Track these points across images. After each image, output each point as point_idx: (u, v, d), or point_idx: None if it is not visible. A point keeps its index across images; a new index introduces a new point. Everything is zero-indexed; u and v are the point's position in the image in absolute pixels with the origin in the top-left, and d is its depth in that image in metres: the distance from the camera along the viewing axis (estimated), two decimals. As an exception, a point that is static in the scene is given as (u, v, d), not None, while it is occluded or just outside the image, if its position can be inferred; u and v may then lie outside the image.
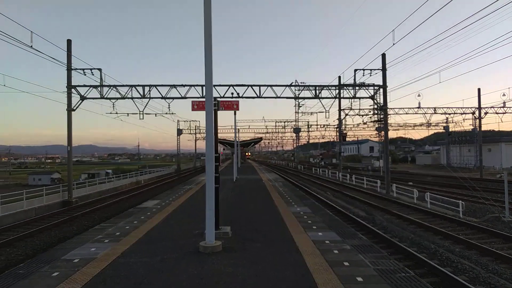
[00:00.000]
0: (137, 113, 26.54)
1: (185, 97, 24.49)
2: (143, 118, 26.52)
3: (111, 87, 23.81)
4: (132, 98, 24.41)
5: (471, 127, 43.69)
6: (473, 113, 39.98)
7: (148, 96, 24.51)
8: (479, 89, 37.89)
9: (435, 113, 40.24)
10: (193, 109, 8.74)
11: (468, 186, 20.72)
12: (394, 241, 10.75)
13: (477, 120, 38.72)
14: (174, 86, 24.59)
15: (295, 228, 9.29)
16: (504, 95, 38.15)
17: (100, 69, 23.31)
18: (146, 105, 25.90)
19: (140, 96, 24.43)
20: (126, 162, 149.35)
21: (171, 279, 5.77)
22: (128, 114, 29.41)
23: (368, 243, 7.96)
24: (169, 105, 27.17)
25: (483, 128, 40.45)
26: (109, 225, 10.23)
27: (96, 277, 5.93)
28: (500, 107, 37.91)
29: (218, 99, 9.41)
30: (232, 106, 9.58)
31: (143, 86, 24.32)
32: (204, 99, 7.62)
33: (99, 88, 23.62)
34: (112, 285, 5.56)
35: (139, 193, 27.58)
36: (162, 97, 24.75)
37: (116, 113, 27.04)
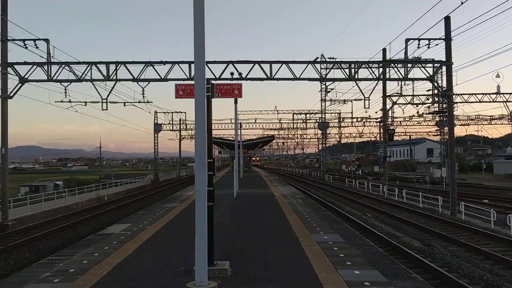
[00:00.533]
0: (98, 102, 26.91)
1: (165, 79, 24.78)
2: (107, 109, 26.92)
3: (63, 65, 24.12)
4: (91, 80, 24.75)
5: None
6: None
7: (114, 77, 24.81)
8: None
9: (522, 101, 40.07)
10: (177, 96, 8.82)
11: None
12: (462, 283, 10.74)
13: None
14: (150, 63, 24.88)
15: (322, 265, 9.33)
16: None
17: (47, 40, 23.60)
18: (111, 90, 26.32)
19: (102, 78, 24.72)
20: (83, 170, 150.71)
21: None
22: (86, 103, 29.84)
23: (426, 286, 7.98)
24: (143, 90, 27.49)
25: None
26: (60, 258, 10.34)
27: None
28: None
29: (213, 81, 9.48)
30: (233, 91, 9.65)
31: (107, 63, 24.63)
32: (193, 82, 7.69)
33: (45, 67, 23.95)
34: None
35: (101, 214, 27.83)
36: (134, 79, 25.09)
37: (70, 101, 27.47)
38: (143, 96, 28.55)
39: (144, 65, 24.83)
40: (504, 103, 39.87)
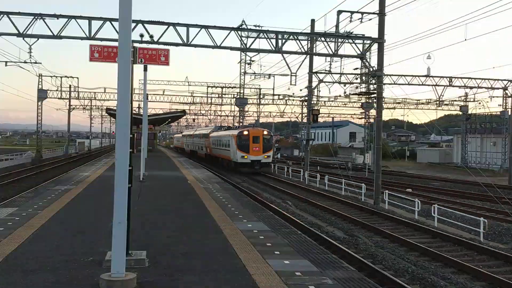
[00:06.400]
0: (-27, 60, 25.19)
1: (59, 36, 23.80)
2: (-16, 69, 25.23)
3: None
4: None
5: (502, 109, 47.11)
6: (505, 88, 43.45)
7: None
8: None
9: (450, 85, 43.20)
10: (92, 59, 8.73)
11: (493, 197, 22.82)
12: (387, 274, 11.72)
13: (510, 98, 42.23)
14: (41, 16, 23.76)
15: (248, 254, 9.75)
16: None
17: None
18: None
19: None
20: None
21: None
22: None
23: (357, 276, 8.69)
24: (30, 48, 26.23)
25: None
26: None
27: None
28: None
29: (136, 45, 9.39)
30: (159, 57, 9.71)
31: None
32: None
33: None
34: None
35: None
36: (19, 34, 23.78)
37: None
38: (30, 56, 27.28)
39: (33, 17, 23.65)
40: (433, 86, 42.84)
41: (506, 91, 43.42)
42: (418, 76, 41.50)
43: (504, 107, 45.64)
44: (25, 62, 29.61)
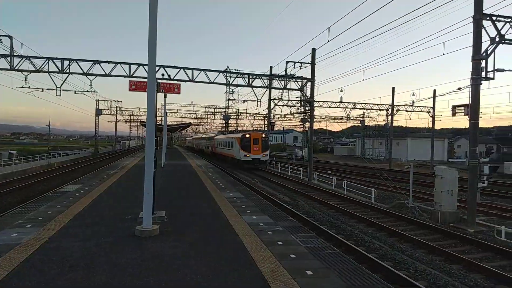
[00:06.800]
0: (53, 89, 24.35)
1: (109, 75, 23.15)
2: (60, 95, 24.40)
3: (24, 58, 21.36)
4: (48, 72, 22.27)
5: (384, 122, 48.61)
6: (387, 109, 44.60)
7: (67, 71, 22.61)
8: (393, 88, 42.40)
9: (354, 108, 43.95)
10: (130, 89, 8.50)
11: (380, 176, 23.28)
12: (316, 224, 11.85)
13: (390, 116, 43.32)
14: (98, 62, 23.12)
15: (230, 212, 9.71)
16: (413, 95, 43.27)
17: (10, 37, 20.73)
18: (64, 80, 23.95)
19: (58, 71, 22.39)
20: (33, 143, 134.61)
21: (110, 262, 5.74)
22: (43, 89, 26.88)
23: (297, 225, 8.74)
24: (91, 82, 25.53)
25: (394, 123, 45.51)
26: (28, 210, 9.49)
27: (24, 262, 5.62)
28: (410, 106, 42.95)
29: (159, 80, 9.25)
30: (173, 89, 9.54)
31: (62, 59, 22.34)
32: (142, 79, 7.50)
33: (8, 58, 21.02)
34: (45, 270, 5.35)
35: (54, 176, 25.48)
36: (84, 73, 23.09)
37: (29, 87, 24.54)
38: (91, 87, 26.55)
39: (92, 63, 23.00)
40: (344, 108, 43.47)
41: (387, 111, 44.63)
42: (335, 102, 41.99)
43: (386, 121, 47.13)
44: (87, 91, 28.61)
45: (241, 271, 5.52)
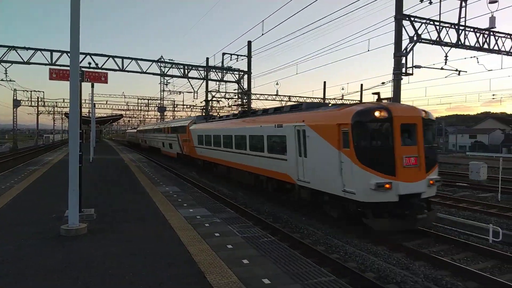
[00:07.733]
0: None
1: (28, 63, 21.04)
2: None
3: None
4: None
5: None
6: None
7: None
8: (324, 82, 44.55)
9: (289, 100, 45.42)
10: (51, 78, 7.83)
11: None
12: (252, 213, 12.10)
13: (322, 109, 45.58)
14: (14, 48, 20.85)
15: (166, 207, 9.47)
16: (343, 89, 46.09)
17: None
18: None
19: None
20: None
21: (32, 267, 5.28)
22: None
23: (235, 215, 8.85)
24: (6, 70, 22.86)
25: (325, 116, 47.99)
26: None
27: None
28: (340, 99, 45.51)
29: (83, 69, 8.58)
30: (100, 78, 8.96)
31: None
32: (66, 68, 6.94)
33: None
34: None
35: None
36: (-3, 61, 20.69)
37: None
38: (6, 75, 23.94)
39: (7, 49, 20.69)
40: (280, 101, 44.77)
41: (321, 104, 47.00)
42: (271, 94, 43.06)
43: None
44: (2, 80, 25.73)
45: (177, 265, 5.45)
